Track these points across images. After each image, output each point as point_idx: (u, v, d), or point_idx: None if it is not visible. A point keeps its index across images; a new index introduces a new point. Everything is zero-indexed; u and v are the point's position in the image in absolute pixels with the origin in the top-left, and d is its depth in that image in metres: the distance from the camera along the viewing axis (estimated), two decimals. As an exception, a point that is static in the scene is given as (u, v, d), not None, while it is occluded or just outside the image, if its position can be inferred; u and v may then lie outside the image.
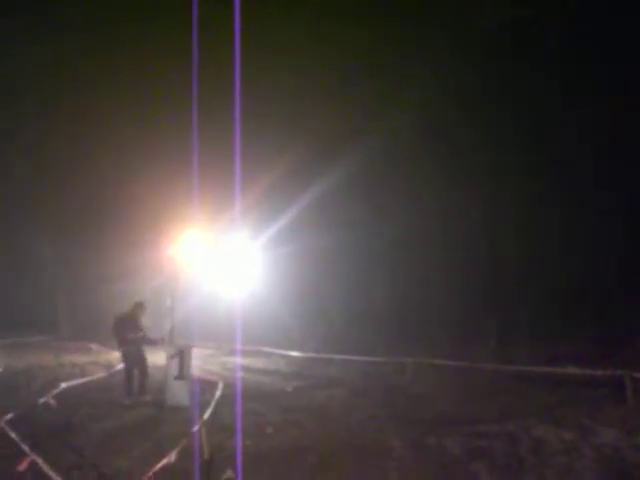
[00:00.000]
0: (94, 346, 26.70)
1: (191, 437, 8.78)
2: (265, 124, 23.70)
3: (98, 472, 7.82)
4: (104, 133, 29.12)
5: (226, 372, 18.90)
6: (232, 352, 23.49)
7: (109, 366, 19.34)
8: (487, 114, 21.92)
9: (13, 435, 9.45)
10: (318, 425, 10.67)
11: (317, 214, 24.55)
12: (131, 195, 28.13)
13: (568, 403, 11.56)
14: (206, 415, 10.97)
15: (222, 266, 21.21)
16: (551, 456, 8.14)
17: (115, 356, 17.84)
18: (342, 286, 24.66)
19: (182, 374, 12.80)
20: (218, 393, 13.76)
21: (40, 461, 7.97)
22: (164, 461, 7.78)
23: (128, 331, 13.37)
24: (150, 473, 7.32)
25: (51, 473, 7.53)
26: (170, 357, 12.92)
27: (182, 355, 12.92)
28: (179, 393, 12.68)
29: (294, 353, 21.71)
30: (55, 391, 13.99)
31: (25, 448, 8.64)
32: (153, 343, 13.80)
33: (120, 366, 15.63)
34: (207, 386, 14.73)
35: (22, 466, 7.82)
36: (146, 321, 13.93)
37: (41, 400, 12.75)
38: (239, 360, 20.89)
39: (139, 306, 13.88)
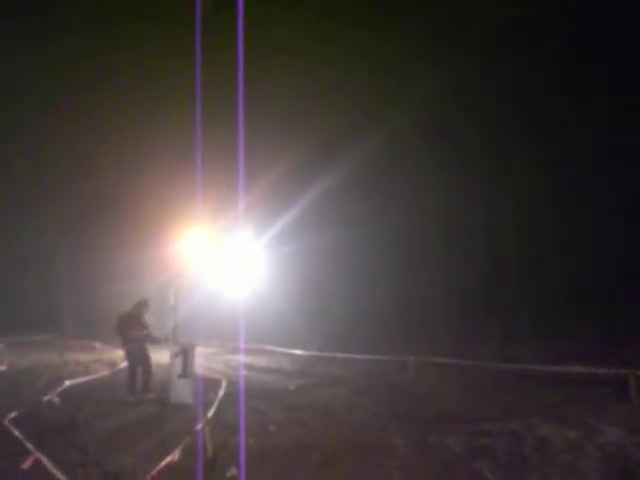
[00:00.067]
0: (98, 344, 26.76)
1: (195, 435, 8.79)
2: (267, 123, 23.73)
3: (102, 470, 7.83)
4: (104, 133, 29.15)
5: (229, 370, 18.92)
6: (235, 350, 23.55)
7: (113, 364, 19.39)
8: (487, 114, 21.91)
9: (17, 433, 9.47)
10: (321, 423, 10.67)
11: (320, 212, 24.55)
12: (134, 194, 28.18)
13: (572, 401, 11.55)
14: (210, 413, 10.97)
15: (225, 264, 21.15)
16: (555, 455, 8.13)
17: (119, 354, 17.88)
18: (345, 284, 24.66)
19: (186, 372, 12.81)
20: (221, 391, 13.77)
21: (44, 459, 7.98)
22: (168, 459, 7.79)
23: (131, 329, 13.39)
24: (154, 471, 7.33)
25: (55, 471, 7.54)
26: (174, 355, 12.94)
27: (186, 353, 12.93)
28: (183, 391, 12.69)
29: (297, 351, 21.73)
30: (59, 389, 14.03)
31: (29, 446, 8.66)
32: (156, 341, 13.83)
33: (124, 364, 15.64)
34: (210, 384, 14.76)
35: (26, 464, 7.84)
36: (150, 319, 13.94)
37: (45, 398, 12.77)
38: (242, 358, 20.93)
39: (142, 304, 13.89)
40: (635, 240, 18.44)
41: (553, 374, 13.91)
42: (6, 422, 10.26)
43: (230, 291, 22.00)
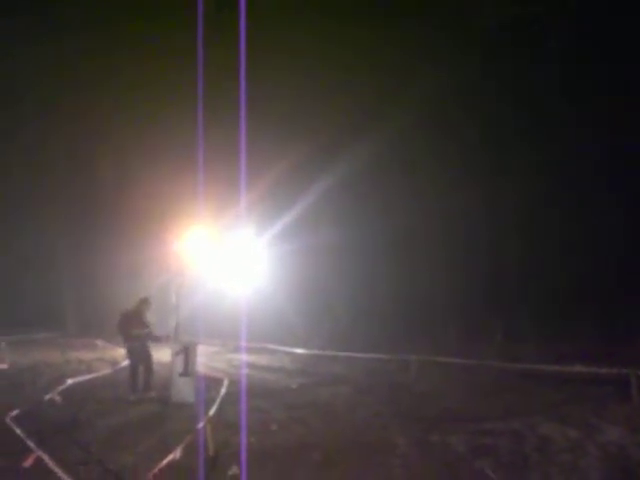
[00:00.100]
0: (100, 342, 26.79)
1: (196, 434, 8.79)
2: (268, 122, 23.75)
3: (104, 468, 7.84)
4: (105, 133, 29.17)
5: (231, 369, 18.93)
6: (237, 349, 23.53)
7: (114, 363, 19.40)
8: (487, 114, 21.91)
9: (19, 431, 9.47)
10: (323, 422, 10.67)
11: (321, 211, 24.59)
12: (135, 193, 28.19)
13: (573, 401, 11.55)
14: (211, 412, 10.95)
15: (227, 263, 21.18)
16: (556, 454, 8.14)
17: (121, 353, 17.88)
18: (347, 283, 24.67)
19: (187, 371, 12.81)
20: (223, 390, 13.76)
21: (46, 457, 7.98)
22: (169, 457, 7.78)
23: (133, 327, 13.39)
24: (155, 469, 7.33)
25: (57, 469, 7.54)
26: (175, 354, 12.94)
27: (187, 352, 12.93)
28: (184, 390, 12.69)
29: (299, 350, 21.73)
30: (61, 387, 14.01)
31: (31, 444, 8.66)
32: (158, 340, 13.83)
33: (125, 362, 15.66)
34: (212, 383, 14.75)
35: (28, 462, 7.84)
36: (151, 318, 13.95)
37: (47, 396, 12.76)
38: (244, 357, 20.94)
39: (144, 302, 13.90)
40: (635, 240, 18.43)
41: (555, 373, 13.91)
42: (8, 420, 10.26)
43: (232, 290, 22.02)
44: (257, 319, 22.15)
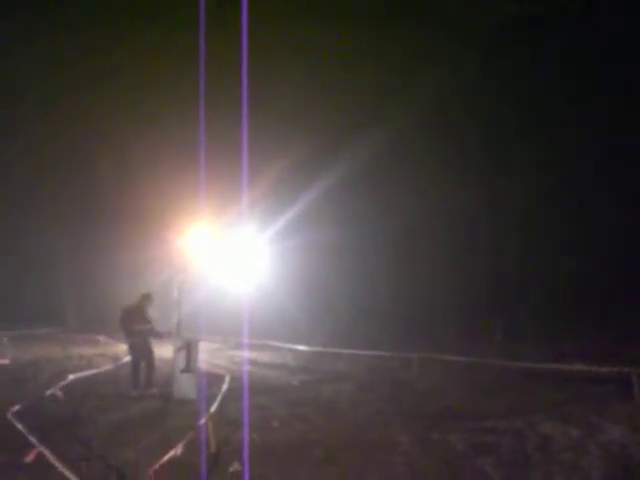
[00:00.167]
0: (101, 338, 26.83)
1: (198, 430, 8.79)
2: (270, 120, 23.73)
3: (105, 464, 7.85)
4: (105, 131, 29.18)
5: (233, 366, 18.93)
6: (239, 346, 23.54)
7: (116, 358, 19.42)
8: (488, 113, 21.89)
9: (20, 427, 9.49)
10: (325, 419, 10.68)
11: (323, 209, 24.57)
12: (137, 191, 28.20)
13: (575, 400, 11.54)
14: (213, 408, 10.96)
15: (229, 259, 21.18)
16: (558, 453, 8.13)
17: (122, 348, 17.89)
18: (349, 280, 24.68)
19: (189, 367, 12.82)
20: (225, 386, 13.78)
21: (47, 453, 7.99)
22: (171, 453, 7.79)
23: (135, 323, 13.41)
24: (157, 465, 7.34)
25: (58, 465, 7.55)
26: (177, 350, 12.95)
27: (189, 348, 12.94)
28: (186, 386, 12.71)
29: (301, 347, 21.72)
30: (62, 383, 14.04)
31: (32, 440, 8.68)
32: (160, 336, 13.83)
33: (127, 358, 15.67)
34: (214, 379, 14.77)
35: (29, 458, 7.86)
36: (153, 314, 13.96)
37: (48, 392, 12.79)
38: (246, 354, 20.95)
39: (146, 298, 13.91)
40: (635, 240, 18.41)
41: (556, 372, 13.90)
42: (9, 415, 10.28)
43: (234, 286, 22.03)
44: (259, 316, 22.15)
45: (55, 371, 16.60)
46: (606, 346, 15.89)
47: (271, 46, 22.66)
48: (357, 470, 7.72)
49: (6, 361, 18.63)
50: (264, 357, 20.88)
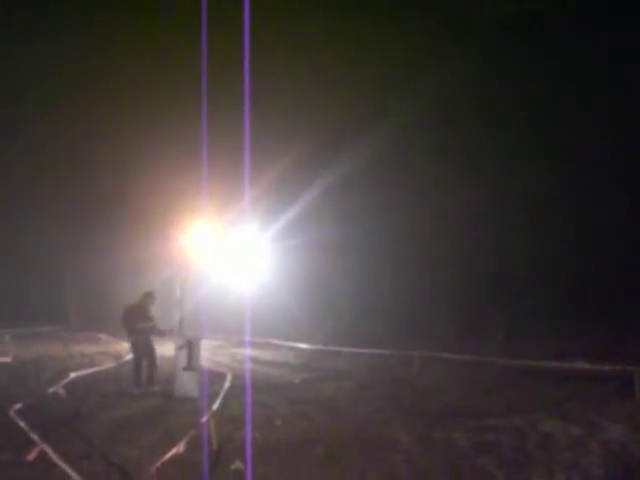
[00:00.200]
0: (103, 336, 26.88)
1: (200, 428, 8.82)
2: (272, 117, 23.71)
3: (107, 461, 7.87)
4: (105, 131, 29.17)
5: (235, 364, 18.97)
6: (241, 344, 23.58)
7: (118, 356, 19.45)
8: (493, 110, 21.86)
9: (22, 424, 9.51)
10: (326, 417, 10.71)
11: (325, 207, 24.55)
12: (139, 190, 28.22)
13: (576, 398, 11.55)
14: (215, 406, 11.00)
15: (231, 258, 21.23)
16: (558, 451, 8.15)
17: (124, 346, 17.95)
18: (351, 279, 24.66)
19: (191, 365, 12.85)
20: (227, 384, 13.81)
21: (49, 450, 8.02)
22: (173, 451, 7.81)
23: (137, 321, 13.43)
24: (159, 463, 7.36)
25: (60, 462, 7.57)
26: (179, 348, 12.97)
27: (191, 346, 12.97)
28: (188, 384, 12.73)
29: (303, 345, 21.77)
30: (64, 381, 14.07)
31: (34, 437, 8.70)
32: (162, 334, 13.87)
33: (129, 356, 15.70)
34: (216, 377, 14.80)
35: (31, 455, 7.88)
36: (155, 312, 13.99)
37: (50, 390, 12.82)
38: (248, 352, 20.95)
39: (148, 296, 13.94)
40: (635, 240, 18.40)
41: (557, 370, 13.92)
42: (11, 413, 10.30)
43: (236, 284, 22.07)
44: (261, 314, 22.16)
45: (57, 369, 16.63)
46: (607, 345, 15.87)
47: (273, 42, 22.63)
48: (358, 468, 7.73)
49: (8, 359, 18.66)
50: (266, 355, 20.92)
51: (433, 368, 15.69)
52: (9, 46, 25.42)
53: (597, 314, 17.67)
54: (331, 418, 10.67)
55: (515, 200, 21.16)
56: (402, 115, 22.37)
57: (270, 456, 8.11)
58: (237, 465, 7.63)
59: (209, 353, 19.70)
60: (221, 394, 12.42)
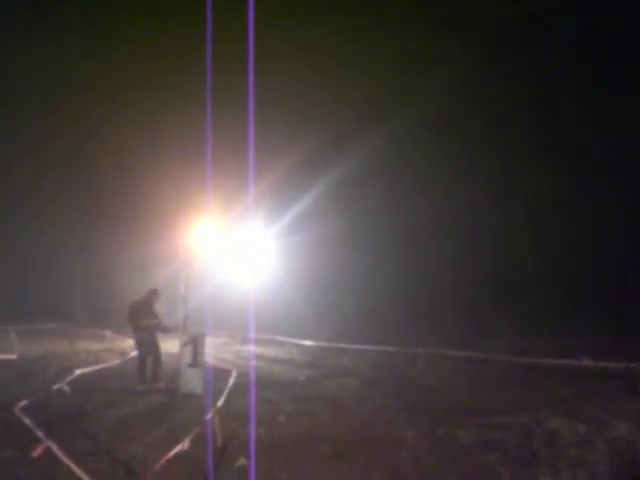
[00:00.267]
0: (108, 333, 26.92)
1: (204, 425, 8.82)
2: (277, 115, 23.73)
3: (112, 458, 7.87)
4: (105, 131, 29.22)
5: (239, 360, 18.97)
6: (245, 341, 23.60)
7: (123, 353, 19.49)
8: (494, 111, 21.82)
9: (28, 421, 9.53)
10: (331, 414, 10.68)
11: (329, 204, 24.56)
12: (141, 189, 28.25)
13: (582, 396, 11.49)
14: (219, 403, 11.01)
15: (236, 254, 21.23)
16: (564, 448, 8.11)
17: (129, 343, 17.95)
18: (356, 276, 24.66)
19: (195, 362, 12.85)
20: (231, 381, 13.82)
21: (54, 447, 8.03)
22: (178, 448, 7.82)
23: (142, 318, 13.45)
24: (163, 460, 7.36)
25: (65, 459, 7.58)
26: (183, 345, 12.97)
27: (195, 343, 12.97)
28: (192, 381, 12.73)
29: (307, 342, 21.77)
30: (69, 378, 14.12)
31: (40, 434, 8.72)
32: (167, 330, 13.87)
33: (134, 353, 15.71)
34: (220, 374, 14.80)
35: (37, 452, 7.89)
36: (160, 309, 14.00)
37: (55, 387, 12.86)
38: (252, 349, 20.99)
39: (153, 293, 13.95)
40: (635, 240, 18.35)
41: (563, 368, 13.87)
42: (17, 410, 10.34)
43: (240, 281, 22.06)
44: (265, 311, 22.18)
45: (62, 366, 16.66)
46: (613, 343, 15.81)
47: (278, 41, 22.63)
48: (363, 465, 7.71)
49: (14, 356, 18.70)
50: (270, 352, 20.90)
51: (439, 366, 15.66)
52: (9, 46, 25.45)
53: (597, 314, 17.60)
54: (336, 415, 10.64)
55: (515, 200, 21.13)
56: (403, 115, 22.36)
57: (275, 453, 8.10)
58: (242, 462, 7.62)
59: (214, 350, 19.70)
60: (226, 391, 12.42)
